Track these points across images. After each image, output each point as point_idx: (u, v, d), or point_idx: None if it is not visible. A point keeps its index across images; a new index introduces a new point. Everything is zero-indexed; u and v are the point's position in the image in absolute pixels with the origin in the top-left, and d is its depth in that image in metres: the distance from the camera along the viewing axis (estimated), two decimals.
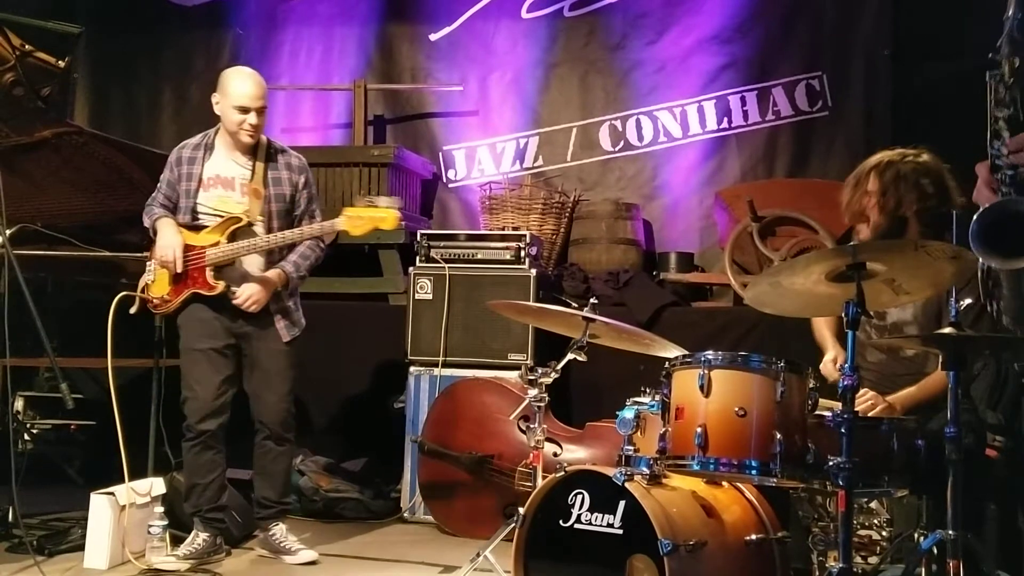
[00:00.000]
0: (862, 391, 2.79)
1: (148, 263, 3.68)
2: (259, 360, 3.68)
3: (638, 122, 5.74)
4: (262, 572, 3.55)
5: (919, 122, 5.01)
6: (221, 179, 3.65)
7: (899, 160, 3.02)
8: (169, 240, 3.55)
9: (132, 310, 3.68)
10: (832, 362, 3.08)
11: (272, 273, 3.63)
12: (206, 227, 3.60)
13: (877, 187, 2.98)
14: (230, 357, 3.66)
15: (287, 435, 3.76)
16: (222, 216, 3.60)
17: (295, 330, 3.75)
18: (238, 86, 3.61)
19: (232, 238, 3.56)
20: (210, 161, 3.67)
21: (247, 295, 3.55)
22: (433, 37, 6.04)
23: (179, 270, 3.54)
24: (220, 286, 3.55)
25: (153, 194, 3.74)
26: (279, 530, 3.74)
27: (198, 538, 3.61)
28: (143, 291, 3.67)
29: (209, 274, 3.56)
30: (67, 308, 4.28)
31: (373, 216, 3.57)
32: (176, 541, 3.62)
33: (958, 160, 3.11)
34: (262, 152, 3.68)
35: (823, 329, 3.23)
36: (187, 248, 3.57)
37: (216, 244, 3.56)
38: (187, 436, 3.64)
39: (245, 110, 3.58)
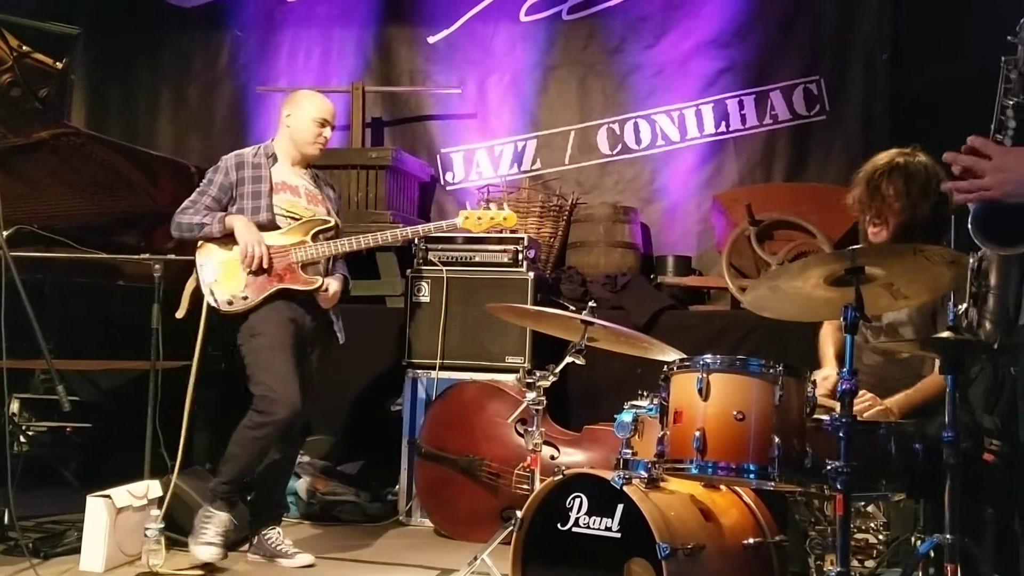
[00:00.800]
0: (860, 393, 2.79)
1: (200, 262, 3.64)
2: (310, 361, 3.73)
3: (636, 125, 5.75)
4: (279, 572, 3.54)
5: (917, 125, 5.00)
6: (288, 186, 3.76)
7: (911, 161, 3.03)
8: (252, 235, 3.58)
9: (179, 314, 3.68)
10: (822, 380, 3.07)
11: (338, 276, 3.79)
12: (278, 228, 3.67)
13: (896, 190, 2.98)
14: (301, 360, 3.68)
15: (302, 438, 3.77)
16: (296, 218, 3.70)
17: (343, 335, 3.84)
18: (320, 101, 3.85)
19: (315, 239, 3.69)
20: (275, 168, 3.76)
21: (335, 290, 3.68)
22: (431, 39, 6.04)
23: (265, 264, 3.57)
24: (318, 281, 3.64)
25: (192, 199, 3.71)
26: (275, 534, 3.72)
27: (218, 516, 3.56)
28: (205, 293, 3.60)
29: (302, 270, 3.63)
30: (63, 310, 4.26)
31: (493, 216, 3.82)
32: (171, 544, 3.60)
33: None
34: (309, 169, 3.88)
35: (826, 344, 3.23)
36: (269, 246, 3.62)
37: (301, 244, 3.66)
38: (266, 431, 3.52)
39: (324, 123, 3.77)
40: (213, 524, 3.54)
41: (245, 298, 3.59)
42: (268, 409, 3.53)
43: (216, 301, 3.59)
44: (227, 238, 3.65)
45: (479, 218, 3.83)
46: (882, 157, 3.08)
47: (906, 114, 5.21)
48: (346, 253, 3.79)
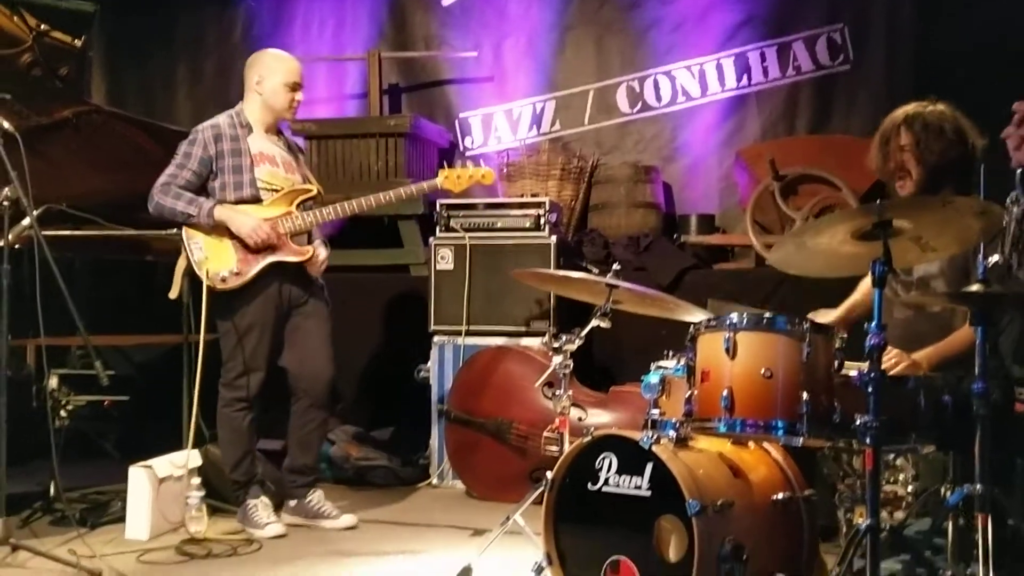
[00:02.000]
0: (887, 349, 2.80)
1: (189, 243, 3.61)
2: (309, 329, 3.75)
3: (656, 82, 5.69)
4: (303, 537, 3.62)
5: (944, 71, 4.93)
6: (266, 156, 3.73)
7: (923, 110, 3.00)
8: (251, 220, 3.58)
9: (172, 294, 3.69)
10: (822, 313, 3.09)
11: (323, 241, 3.81)
12: (261, 201, 3.66)
13: (910, 139, 2.95)
14: (277, 334, 3.72)
15: (331, 401, 3.85)
16: (277, 189, 3.69)
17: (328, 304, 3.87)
18: (287, 63, 3.77)
19: (300, 208, 3.70)
20: (251, 138, 3.72)
21: (324, 255, 3.73)
22: (446, 3, 6.00)
23: (274, 242, 3.59)
24: (308, 251, 3.66)
25: (171, 173, 3.64)
26: (317, 496, 3.81)
27: (256, 502, 3.67)
28: (194, 272, 3.61)
29: (293, 241, 3.65)
30: (94, 287, 4.33)
31: (472, 174, 3.79)
32: (212, 511, 3.69)
33: (983, 109, 3.09)
34: (280, 135, 3.85)
35: (855, 291, 3.22)
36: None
37: (287, 214, 3.66)
38: (243, 407, 3.66)
39: (297, 87, 3.72)
40: (259, 511, 3.65)
41: (237, 274, 3.60)
42: (237, 383, 3.64)
43: (209, 279, 3.58)
44: None
45: (458, 176, 3.82)
46: (894, 113, 3.05)
47: (932, 61, 5.12)
48: (333, 220, 3.79)
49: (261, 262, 3.61)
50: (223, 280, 3.59)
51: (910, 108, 3.02)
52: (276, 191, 3.70)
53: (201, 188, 3.67)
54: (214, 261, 3.60)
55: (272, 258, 3.62)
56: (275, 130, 3.82)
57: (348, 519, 3.76)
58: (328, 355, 3.79)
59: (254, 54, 3.86)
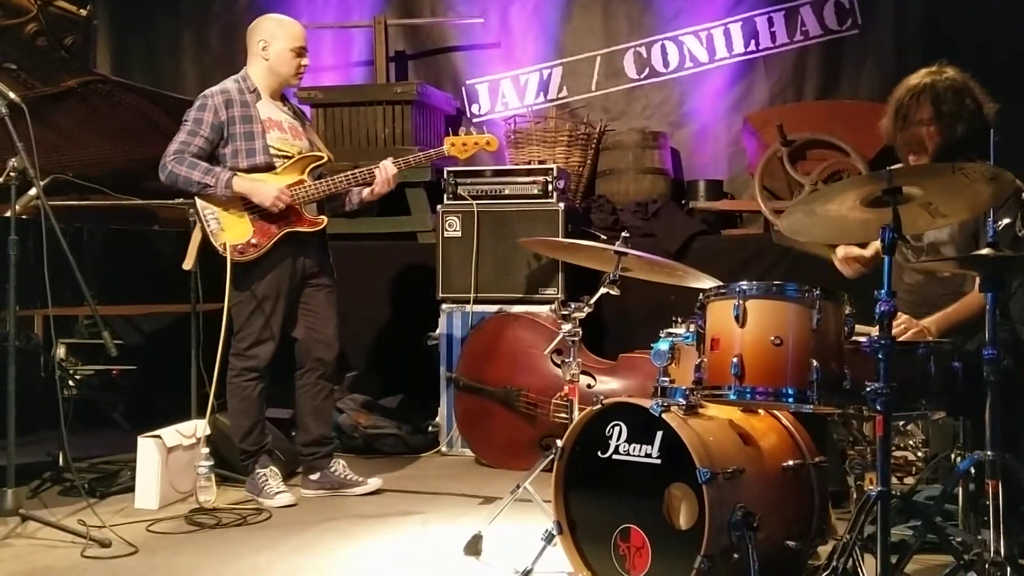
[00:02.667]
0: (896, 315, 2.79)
1: (204, 214, 3.56)
2: (319, 298, 3.77)
3: (663, 48, 5.64)
4: (312, 506, 3.64)
5: (952, 34, 4.88)
6: (274, 122, 3.70)
7: (938, 79, 2.96)
8: (271, 189, 3.54)
9: (187, 265, 3.67)
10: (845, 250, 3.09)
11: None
12: (274, 168, 3.63)
13: (931, 113, 2.92)
14: (291, 304, 3.73)
15: (338, 371, 3.89)
16: (288, 156, 3.66)
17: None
18: (292, 27, 3.72)
19: (312, 176, 3.67)
20: (259, 104, 3.69)
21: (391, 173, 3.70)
22: None
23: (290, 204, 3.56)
24: (323, 221, 3.65)
25: (183, 140, 3.58)
26: (340, 466, 3.84)
27: (264, 472, 3.69)
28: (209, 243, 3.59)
29: (307, 210, 3.64)
30: (102, 256, 4.33)
31: (477, 140, 3.77)
32: (221, 481, 3.71)
33: (992, 71, 3.05)
34: (286, 102, 3.83)
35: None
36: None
37: (300, 182, 3.63)
38: (254, 377, 3.68)
39: (302, 51, 3.68)
40: (268, 480, 3.67)
41: (255, 245, 3.58)
42: (248, 352, 3.64)
43: (227, 250, 3.55)
44: None
45: (464, 143, 3.78)
46: (909, 80, 3.01)
47: (940, 24, 5.06)
48: (344, 188, 3.73)
49: (278, 233, 3.60)
50: (240, 252, 3.56)
51: (925, 78, 2.97)
52: (288, 158, 3.67)
53: (212, 154, 3.63)
54: (230, 232, 3.57)
55: (288, 229, 3.61)
56: (280, 96, 3.79)
57: (375, 482, 3.81)
58: (335, 324, 3.81)
59: (257, 19, 3.80)
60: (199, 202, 3.59)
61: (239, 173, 3.58)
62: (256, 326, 3.65)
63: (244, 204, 3.59)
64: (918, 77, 2.99)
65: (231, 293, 3.60)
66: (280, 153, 3.66)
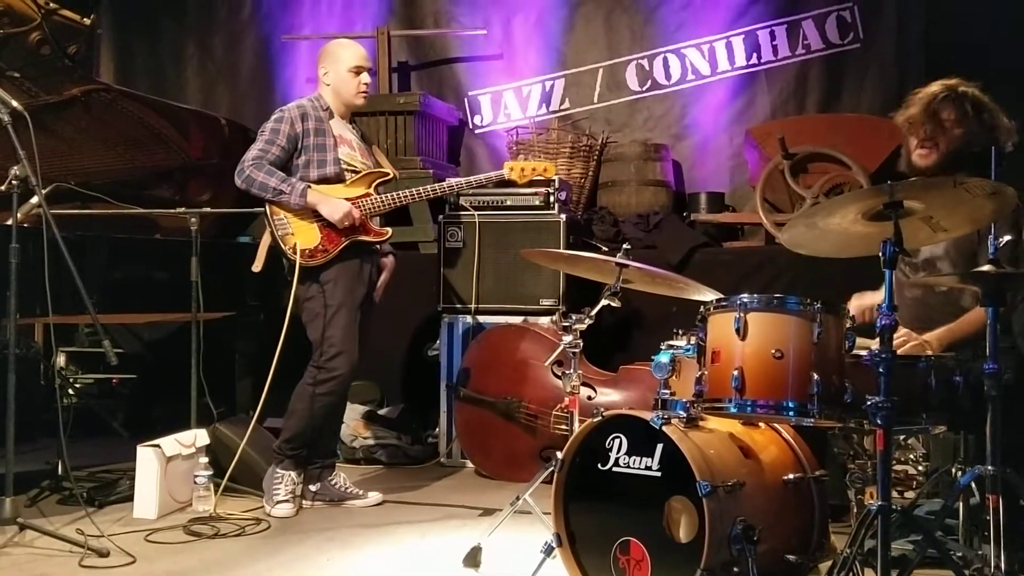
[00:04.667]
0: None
1: (275, 220, 3.64)
2: (367, 309, 3.81)
3: (665, 60, 5.66)
4: (310, 517, 3.63)
5: (953, 51, 4.89)
6: (344, 140, 3.82)
7: (971, 91, 2.99)
8: (342, 205, 3.64)
9: (256, 267, 3.77)
10: (856, 298, 3.08)
11: (390, 258, 3.96)
12: (343, 181, 3.74)
13: (960, 115, 2.95)
14: (361, 315, 3.77)
15: (356, 382, 3.97)
16: (355, 171, 3.78)
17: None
18: (352, 49, 3.86)
19: (377, 191, 3.78)
20: (332, 121, 3.80)
21: (390, 268, 3.90)
22: None
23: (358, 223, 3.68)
24: (388, 232, 3.79)
25: (261, 148, 3.67)
26: (340, 479, 3.85)
27: (286, 475, 3.68)
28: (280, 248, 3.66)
29: (372, 222, 3.75)
30: (103, 265, 4.32)
31: (535, 167, 3.93)
32: (220, 490, 3.70)
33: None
34: (353, 124, 3.95)
35: None
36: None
37: (367, 195, 3.74)
38: (328, 391, 3.67)
39: (360, 70, 3.79)
40: (283, 484, 3.67)
41: (324, 251, 3.65)
42: (330, 365, 3.64)
43: (296, 254, 3.61)
44: None
45: (523, 169, 3.92)
46: (941, 83, 3.03)
47: (942, 39, 5.08)
48: (407, 203, 3.93)
49: (345, 241, 3.68)
50: (309, 256, 3.64)
51: (960, 85, 3.02)
52: (355, 172, 3.78)
53: (286, 164, 3.71)
54: (300, 236, 3.65)
55: (354, 237, 3.70)
56: (349, 117, 3.90)
57: (375, 496, 3.82)
58: (360, 343, 3.83)
59: (321, 48, 3.95)
60: (268, 208, 3.67)
61: (312, 185, 3.68)
62: (335, 336, 3.65)
63: (314, 213, 3.67)
64: (951, 82, 3.02)
65: (306, 307, 3.67)
66: (349, 167, 3.77)
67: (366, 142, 3.98)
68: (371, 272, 3.81)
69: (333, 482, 3.82)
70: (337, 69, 3.79)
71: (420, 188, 3.88)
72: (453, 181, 4.08)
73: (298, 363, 3.81)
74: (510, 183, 4.03)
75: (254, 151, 3.67)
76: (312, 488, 3.81)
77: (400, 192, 3.83)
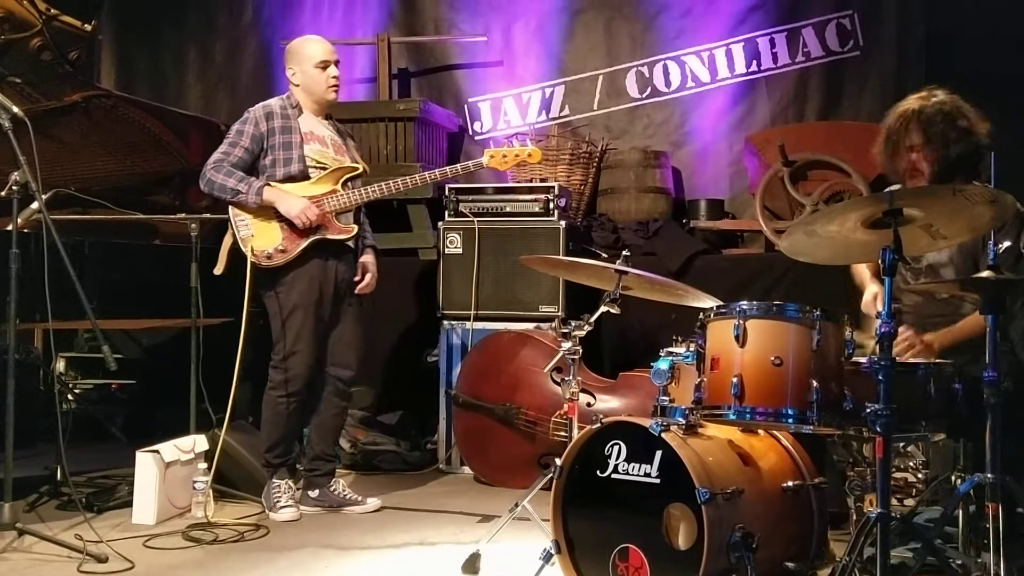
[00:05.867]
0: (900, 329, 2.79)
1: (236, 221, 3.64)
2: (347, 311, 3.79)
3: (665, 68, 5.66)
4: (310, 523, 3.63)
5: (953, 58, 4.90)
6: (316, 136, 3.78)
7: (927, 105, 2.97)
8: (299, 202, 3.61)
9: (218, 270, 3.72)
10: (873, 298, 3.07)
11: (370, 254, 3.89)
12: (309, 178, 3.70)
13: (920, 139, 2.94)
14: (328, 315, 3.74)
15: (350, 391, 3.91)
16: (324, 167, 3.72)
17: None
18: (312, 45, 3.82)
19: (345, 187, 3.72)
20: (301, 118, 3.77)
21: (372, 274, 3.83)
22: None
23: (321, 221, 3.63)
24: (353, 229, 3.71)
25: (223, 151, 3.68)
26: (339, 485, 3.85)
27: (283, 484, 3.70)
28: (239, 249, 3.64)
29: (337, 219, 3.68)
30: (102, 270, 4.34)
31: (519, 152, 3.80)
32: (219, 496, 3.70)
33: (993, 93, 3.06)
34: (331, 120, 3.91)
35: (861, 271, 3.22)
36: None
37: (333, 192, 3.69)
38: (287, 392, 3.67)
39: (327, 64, 3.74)
40: (282, 492, 3.69)
41: (283, 251, 3.62)
42: (284, 365, 3.65)
43: (255, 256, 3.60)
44: None
45: (504, 156, 3.83)
46: (898, 107, 3.03)
47: (942, 46, 5.09)
48: (375, 200, 3.80)
49: (306, 240, 3.64)
50: (268, 257, 3.62)
51: (914, 104, 3.00)
52: (323, 169, 3.74)
53: (252, 165, 3.71)
54: (260, 238, 3.63)
55: (317, 236, 3.66)
56: (324, 114, 3.87)
57: (373, 503, 3.82)
58: (359, 348, 3.83)
59: (286, 47, 3.90)
60: (231, 209, 3.67)
61: (271, 183, 3.64)
62: (289, 337, 3.66)
63: (276, 214, 3.65)
64: (907, 103, 3.02)
65: (267, 305, 3.67)
66: (317, 164, 3.74)
67: (344, 137, 3.92)
68: (341, 271, 3.76)
69: (332, 488, 3.82)
70: (303, 67, 3.76)
71: (388, 182, 3.76)
72: (425, 173, 3.91)
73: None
74: (515, 189, 4.05)
75: (216, 154, 3.69)
76: (311, 494, 3.81)
77: (368, 187, 3.74)
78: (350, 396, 3.96)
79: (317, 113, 3.82)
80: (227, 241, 3.71)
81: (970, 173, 2.93)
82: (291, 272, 3.65)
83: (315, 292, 3.68)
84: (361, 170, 3.80)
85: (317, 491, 3.81)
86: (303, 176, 3.69)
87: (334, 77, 3.77)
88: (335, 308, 3.76)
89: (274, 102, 3.78)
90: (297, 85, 3.79)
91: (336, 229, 3.69)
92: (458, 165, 3.96)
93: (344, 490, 3.84)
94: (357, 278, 3.83)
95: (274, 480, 3.72)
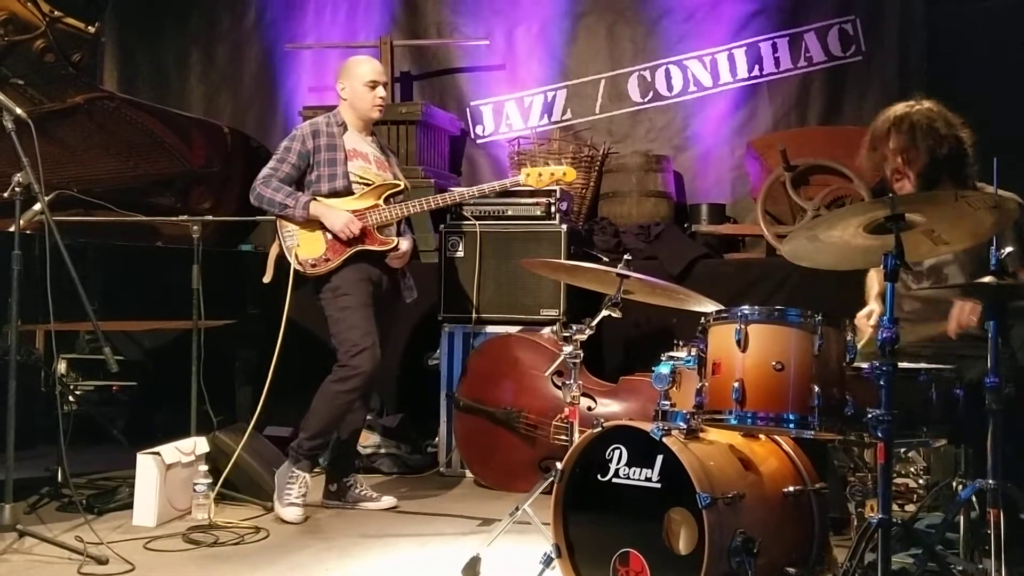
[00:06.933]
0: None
1: (283, 232, 3.78)
2: (381, 318, 3.85)
3: (667, 72, 5.67)
4: (311, 525, 3.63)
5: (954, 64, 4.91)
6: (359, 153, 3.90)
7: (909, 111, 2.98)
8: (343, 216, 3.73)
9: (266, 278, 3.85)
10: (866, 316, 3.07)
11: (408, 236, 3.98)
12: (352, 193, 3.82)
13: (899, 143, 2.95)
14: (377, 314, 3.83)
15: (372, 390, 4.00)
16: (368, 183, 3.85)
17: (414, 294, 4.04)
18: (366, 64, 3.96)
19: (387, 202, 3.85)
20: (346, 136, 3.89)
21: (405, 248, 3.88)
22: None
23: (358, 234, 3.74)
24: (393, 241, 3.83)
25: (272, 167, 3.81)
26: (356, 481, 3.94)
27: (300, 476, 3.71)
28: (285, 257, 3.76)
29: (378, 232, 3.80)
30: (104, 272, 4.33)
31: (554, 172, 3.92)
32: (220, 499, 3.70)
33: (996, 99, 3.06)
34: (374, 137, 4.03)
35: (871, 284, 3.22)
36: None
37: (375, 207, 3.81)
38: (351, 387, 3.71)
39: (375, 84, 3.88)
40: (296, 485, 3.71)
41: (327, 260, 3.75)
42: (352, 363, 3.70)
43: (300, 264, 3.74)
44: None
45: (540, 174, 3.94)
46: (884, 113, 3.04)
47: (943, 51, 5.10)
48: (416, 213, 3.95)
49: (349, 251, 3.76)
50: (312, 265, 3.76)
51: (898, 110, 3.01)
52: (367, 185, 3.85)
53: (299, 180, 3.84)
54: (304, 248, 3.77)
55: (358, 247, 3.78)
56: (367, 131, 3.98)
57: (389, 500, 3.90)
58: (379, 351, 3.86)
59: (340, 65, 4.03)
60: (278, 221, 3.81)
61: (318, 198, 3.78)
62: (354, 336, 3.70)
63: (321, 226, 3.77)
64: (892, 110, 3.03)
65: (327, 312, 3.76)
66: (360, 180, 3.85)
67: (387, 155, 4.05)
68: (384, 281, 3.86)
69: (349, 484, 3.91)
70: (353, 84, 3.89)
71: (428, 198, 3.92)
72: (463, 190, 4.09)
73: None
74: (516, 193, 4.07)
75: (265, 170, 3.84)
76: (331, 488, 3.91)
77: (408, 203, 3.87)
78: (370, 397, 4.05)
79: (361, 129, 3.94)
80: (274, 250, 3.85)
81: (956, 178, 2.94)
82: (342, 278, 3.76)
83: (368, 294, 3.80)
84: (403, 187, 3.92)
85: (334, 486, 3.90)
86: (347, 191, 3.82)
87: (381, 97, 3.91)
88: (377, 312, 3.84)
89: (320, 120, 3.91)
90: (345, 100, 3.92)
91: (377, 241, 3.81)
92: (495, 183, 4.11)
93: (361, 487, 3.92)
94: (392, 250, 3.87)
95: (294, 469, 3.72)
